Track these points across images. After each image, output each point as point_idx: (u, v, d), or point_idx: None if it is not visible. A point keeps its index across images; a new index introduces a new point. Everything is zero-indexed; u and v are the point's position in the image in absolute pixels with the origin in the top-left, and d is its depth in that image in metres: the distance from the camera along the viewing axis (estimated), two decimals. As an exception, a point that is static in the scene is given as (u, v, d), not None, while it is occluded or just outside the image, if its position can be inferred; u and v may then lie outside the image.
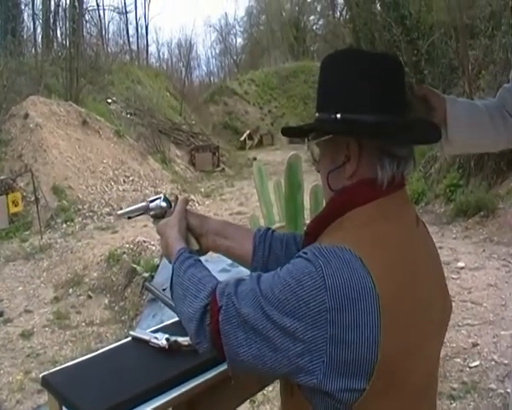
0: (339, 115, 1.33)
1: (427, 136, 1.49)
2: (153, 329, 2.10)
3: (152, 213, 1.81)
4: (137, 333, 2.03)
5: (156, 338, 1.92)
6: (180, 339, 1.88)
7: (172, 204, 1.80)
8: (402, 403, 1.28)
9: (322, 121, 1.41)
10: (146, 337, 1.96)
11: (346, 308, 1.17)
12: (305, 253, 1.26)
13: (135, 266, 8.40)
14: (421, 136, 1.46)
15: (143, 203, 1.83)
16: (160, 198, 1.82)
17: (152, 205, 1.81)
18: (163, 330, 2.01)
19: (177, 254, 1.57)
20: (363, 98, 1.33)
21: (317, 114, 1.44)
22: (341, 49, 1.47)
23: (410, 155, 1.38)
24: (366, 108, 1.32)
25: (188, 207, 1.78)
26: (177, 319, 2.15)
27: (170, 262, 1.63)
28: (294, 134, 1.61)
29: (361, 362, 1.18)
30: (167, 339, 1.89)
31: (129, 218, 1.92)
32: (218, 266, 6.41)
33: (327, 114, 1.37)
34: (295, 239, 1.74)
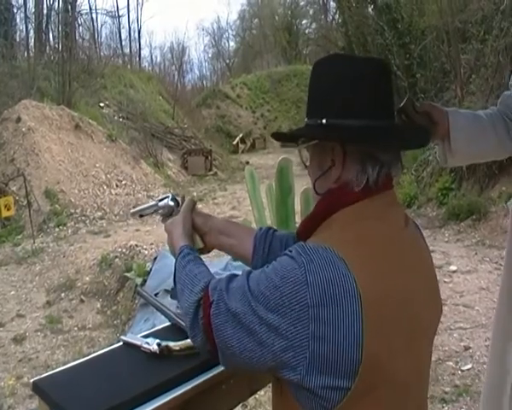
0: (324, 121, 1.37)
1: (413, 141, 1.53)
2: (144, 334, 2.09)
3: (160, 211, 1.90)
4: (129, 338, 2.03)
5: (147, 343, 1.92)
6: (171, 344, 1.88)
7: (180, 203, 1.88)
8: (387, 403, 1.29)
9: (310, 127, 1.44)
10: (137, 342, 1.95)
11: (327, 305, 1.20)
12: (290, 251, 1.31)
13: (126, 274, 8.38)
14: (406, 141, 1.49)
15: (153, 202, 1.93)
16: (168, 197, 1.90)
17: (160, 204, 1.90)
18: (154, 335, 2.00)
19: (179, 250, 1.64)
20: (348, 103, 1.36)
21: (306, 120, 1.46)
22: (328, 55, 1.51)
23: (395, 158, 1.40)
24: (351, 113, 1.35)
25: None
26: (168, 323, 2.15)
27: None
28: (285, 139, 1.64)
29: (344, 361, 1.20)
30: (158, 344, 1.89)
31: (141, 216, 2.05)
32: (221, 265, 6.41)
33: (314, 120, 1.41)
34: (295, 239, 1.74)
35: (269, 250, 1.77)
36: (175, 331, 2.03)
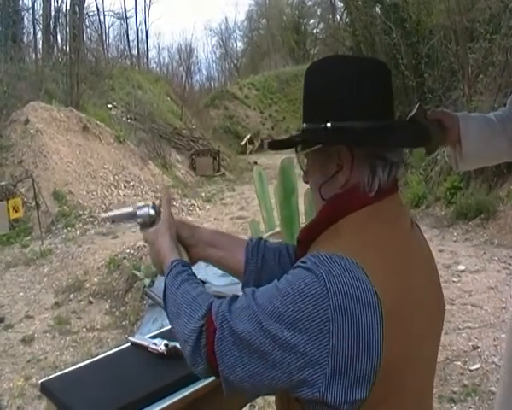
0: (329, 124, 1.31)
1: (417, 138, 1.49)
2: (152, 335, 2.10)
3: (139, 220, 1.73)
4: (136, 339, 2.04)
5: (155, 344, 1.92)
6: (179, 345, 1.88)
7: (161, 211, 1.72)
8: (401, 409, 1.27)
9: (311, 132, 1.39)
10: (145, 343, 1.96)
11: (349, 317, 1.15)
12: (303, 262, 1.24)
13: (135, 272, 8.39)
14: (411, 139, 1.46)
15: (130, 209, 1.75)
16: (148, 206, 1.73)
17: (140, 212, 1.72)
18: (162, 335, 2.01)
19: (170, 266, 1.51)
20: (350, 104, 1.32)
21: (304, 125, 1.42)
22: (324, 57, 1.45)
23: (401, 159, 1.37)
24: (355, 115, 1.31)
25: (179, 217, 1.71)
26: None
27: (161, 273, 1.58)
28: (282, 146, 1.55)
29: (364, 371, 1.16)
30: (166, 345, 1.89)
31: (112, 222, 1.85)
32: (218, 271, 6.41)
33: (316, 124, 1.35)
34: (288, 250, 1.71)
35: (262, 263, 1.67)
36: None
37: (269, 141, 1.56)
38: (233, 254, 1.71)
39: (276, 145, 1.56)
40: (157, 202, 1.73)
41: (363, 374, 1.16)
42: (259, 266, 1.67)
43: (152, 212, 1.72)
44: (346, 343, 1.15)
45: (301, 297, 1.17)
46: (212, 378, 1.40)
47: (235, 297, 1.31)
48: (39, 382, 1.86)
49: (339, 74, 1.34)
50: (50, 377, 1.88)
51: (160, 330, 2.19)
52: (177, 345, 1.87)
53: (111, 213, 1.82)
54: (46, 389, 1.80)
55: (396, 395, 1.24)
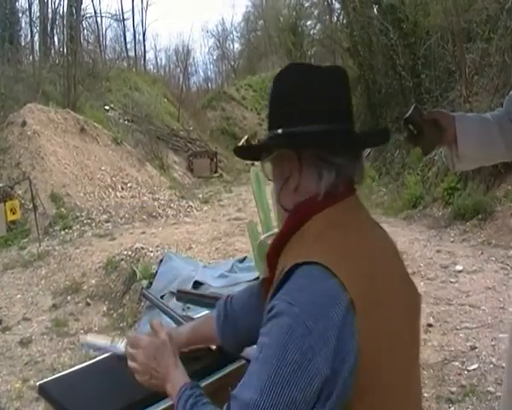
0: (280, 130, 1.38)
1: (369, 140, 1.55)
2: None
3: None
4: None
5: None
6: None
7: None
8: (375, 406, 1.27)
9: (269, 138, 1.44)
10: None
11: (330, 341, 1.18)
12: (272, 309, 1.25)
13: (135, 268, 8.38)
14: (360, 141, 1.49)
15: (107, 343, 1.76)
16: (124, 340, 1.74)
17: (115, 348, 1.76)
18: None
19: (179, 393, 1.45)
20: (302, 111, 1.37)
21: (267, 133, 1.46)
22: (286, 66, 1.49)
23: (351, 161, 1.40)
24: (304, 120, 1.36)
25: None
26: (174, 326, 2.15)
27: (164, 393, 1.55)
28: (248, 154, 1.63)
29: (345, 374, 1.19)
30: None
31: (92, 350, 1.85)
32: (216, 272, 6.42)
33: (272, 131, 1.42)
34: (252, 292, 1.74)
35: (237, 333, 1.72)
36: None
37: (234, 148, 1.58)
38: (212, 340, 1.81)
39: (242, 152, 1.60)
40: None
41: (346, 378, 1.19)
42: (237, 338, 1.73)
43: (121, 350, 1.72)
44: (333, 363, 1.18)
45: (286, 351, 1.17)
46: (212, 379, 1.40)
47: (233, 397, 1.27)
48: (37, 384, 1.86)
49: (293, 82, 1.41)
50: (48, 379, 1.89)
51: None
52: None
53: (90, 342, 1.86)
54: (44, 392, 1.80)
55: (373, 394, 1.25)
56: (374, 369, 1.22)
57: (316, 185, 1.36)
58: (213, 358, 1.79)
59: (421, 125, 2.09)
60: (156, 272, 7.61)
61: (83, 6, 27.48)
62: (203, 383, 1.76)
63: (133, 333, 1.84)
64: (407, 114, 2.09)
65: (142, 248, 9.66)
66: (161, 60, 52.83)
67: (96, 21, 33.94)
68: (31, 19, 27.56)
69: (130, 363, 1.60)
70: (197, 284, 5.90)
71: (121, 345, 1.74)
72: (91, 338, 1.81)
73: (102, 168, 16.53)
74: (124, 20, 38.74)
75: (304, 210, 1.38)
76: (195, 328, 1.83)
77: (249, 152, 1.63)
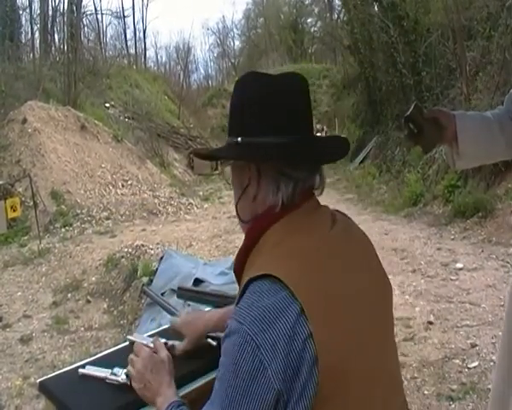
0: (239, 139, 1.38)
1: (327, 153, 1.50)
2: (150, 333, 2.09)
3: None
4: (135, 338, 2.03)
5: (114, 374, 1.90)
6: (177, 343, 1.87)
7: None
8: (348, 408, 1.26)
9: (228, 145, 1.44)
10: (144, 342, 1.95)
11: (280, 353, 1.18)
12: (226, 327, 1.27)
13: (136, 264, 8.38)
14: (318, 154, 1.45)
15: (103, 374, 1.76)
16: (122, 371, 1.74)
17: (113, 378, 1.75)
18: (160, 334, 2.00)
19: (168, 408, 1.50)
20: (261, 121, 1.36)
21: (227, 138, 1.46)
22: (246, 73, 1.48)
23: (311, 173, 1.40)
24: (264, 131, 1.35)
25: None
26: (174, 323, 2.15)
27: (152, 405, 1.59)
28: (208, 157, 1.63)
29: (305, 384, 1.19)
30: (165, 343, 1.89)
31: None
32: (216, 270, 6.42)
33: (231, 139, 1.42)
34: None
35: None
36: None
37: (194, 149, 1.58)
38: None
39: (202, 155, 1.61)
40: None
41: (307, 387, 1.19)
42: None
43: (123, 378, 1.72)
44: (288, 373, 1.18)
45: (238, 369, 1.19)
46: (213, 376, 1.40)
47: None
48: (37, 381, 1.85)
49: (252, 91, 1.39)
50: (48, 376, 1.88)
51: (159, 329, 2.19)
52: (176, 343, 1.87)
53: (90, 372, 1.82)
54: (44, 389, 1.79)
55: (335, 399, 1.23)
56: (334, 375, 1.21)
57: (273, 197, 1.35)
58: (214, 354, 1.79)
59: (421, 123, 2.08)
60: (156, 269, 7.60)
61: (83, 3, 27.48)
62: (204, 380, 1.76)
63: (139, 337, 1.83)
64: (407, 113, 2.08)
65: (143, 245, 9.67)
66: (162, 57, 52.98)
67: (97, 19, 33.92)
68: (31, 16, 27.59)
69: (129, 368, 1.65)
70: (198, 282, 5.90)
71: (122, 374, 1.74)
72: (90, 370, 1.82)
73: (103, 166, 16.53)
74: (124, 17, 38.71)
75: (261, 222, 1.38)
76: (227, 315, 1.84)
77: (205, 156, 1.61)
